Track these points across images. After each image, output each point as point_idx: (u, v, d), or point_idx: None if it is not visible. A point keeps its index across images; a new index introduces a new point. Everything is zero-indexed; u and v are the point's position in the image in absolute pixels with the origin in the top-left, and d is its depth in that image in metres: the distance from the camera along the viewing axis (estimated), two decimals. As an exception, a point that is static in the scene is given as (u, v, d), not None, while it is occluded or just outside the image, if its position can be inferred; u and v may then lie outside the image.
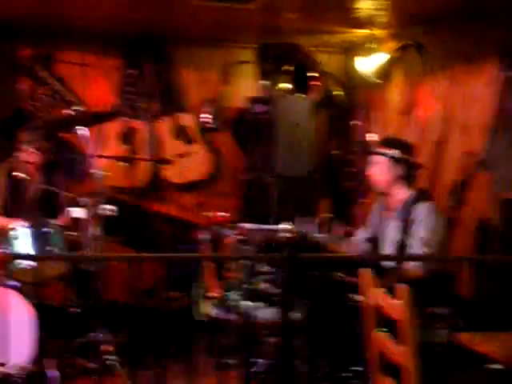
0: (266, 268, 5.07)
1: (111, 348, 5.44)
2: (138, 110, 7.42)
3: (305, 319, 4.66)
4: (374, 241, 5.06)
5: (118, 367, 5.37)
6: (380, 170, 4.95)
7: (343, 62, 7.88)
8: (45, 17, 6.53)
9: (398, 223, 4.86)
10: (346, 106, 7.70)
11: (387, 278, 4.20)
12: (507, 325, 4.14)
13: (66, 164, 6.72)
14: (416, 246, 4.64)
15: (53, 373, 5.24)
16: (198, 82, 7.61)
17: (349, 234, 5.71)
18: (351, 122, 7.60)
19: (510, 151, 5.47)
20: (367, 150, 6.80)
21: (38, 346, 4.10)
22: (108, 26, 6.96)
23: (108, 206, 5.46)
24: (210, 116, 7.55)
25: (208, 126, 7.57)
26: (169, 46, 7.47)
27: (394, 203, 4.96)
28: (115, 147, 7.20)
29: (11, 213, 5.96)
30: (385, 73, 6.82)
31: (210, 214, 5.86)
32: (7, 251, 5.32)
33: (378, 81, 6.85)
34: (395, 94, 6.83)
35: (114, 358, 5.40)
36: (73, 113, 7.02)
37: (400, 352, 3.23)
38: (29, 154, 5.95)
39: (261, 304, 4.80)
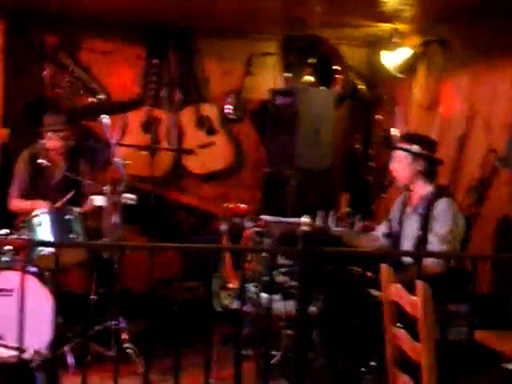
0: (284, 261, 5.07)
1: (128, 336, 5.48)
2: (161, 100, 7.43)
3: (321, 312, 4.66)
4: (393, 236, 5.05)
5: (134, 355, 5.41)
6: (401, 165, 4.95)
7: (366, 56, 7.86)
8: (70, 4, 6.55)
9: (418, 219, 4.86)
10: (369, 99, 7.68)
11: (406, 274, 4.20)
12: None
13: (88, 152, 6.74)
14: (435, 243, 4.64)
15: (69, 359, 5.28)
16: (221, 73, 7.62)
17: (368, 229, 5.71)
18: (373, 116, 7.59)
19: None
20: (389, 144, 6.79)
21: (55, 333, 4.12)
22: (132, 15, 6.97)
23: (128, 195, 5.48)
24: (233, 107, 7.55)
25: (230, 116, 7.57)
26: (193, 36, 7.48)
27: (415, 199, 4.96)
28: (137, 136, 7.23)
29: (33, 198, 5.99)
30: (408, 68, 6.78)
31: (230, 205, 5.88)
32: (28, 237, 5.36)
33: (401, 75, 6.82)
34: (418, 89, 6.80)
35: (130, 346, 5.43)
36: (96, 101, 7.08)
37: (417, 349, 3.23)
38: (51, 141, 5.98)
39: (278, 296, 4.81)
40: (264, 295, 4.74)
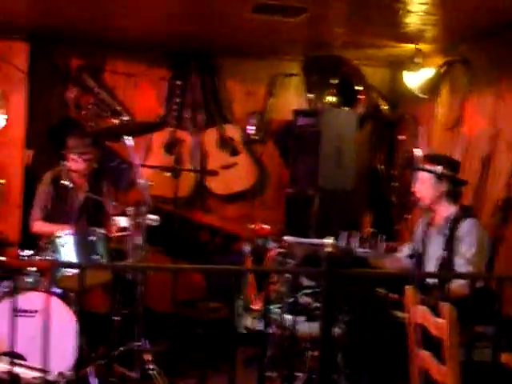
0: (307, 282, 5.06)
1: (151, 357, 5.47)
2: (184, 121, 7.46)
3: (346, 334, 4.64)
4: (417, 257, 5.03)
5: (157, 377, 5.39)
6: (424, 186, 4.94)
7: (388, 76, 7.86)
8: (95, 28, 6.62)
9: (442, 239, 4.84)
10: (391, 120, 7.67)
11: (431, 296, 4.17)
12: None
13: (112, 173, 6.77)
14: (461, 265, 4.61)
15: (92, 380, 5.27)
16: (243, 94, 7.64)
17: (391, 250, 5.68)
18: (396, 137, 7.57)
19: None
20: (412, 165, 6.78)
21: (79, 354, 4.12)
22: (156, 38, 7.02)
23: (152, 216, 5.49)
24: (255, 128, 7.57)
25: (253, 137, 7.59)
26: (216, 57, 7.51)
27: (439, 219, 4.94)
28: (160, 157, 7.25)
29: (55, 220, 6.02)
30: (431, 88, 6.78)
31: (254, 225, 5.87)
32: (53, 258, 5.37)
33: (424, 96, 6.81)
34: (441, 109, 6.79)
35: (153, 367, 5.42)
36: (120, 122, 7.12)
37: (443, 371, 3.20)
38: (75, 162, 6.00)
39: (302, 318, 4.79)
40: (288, 317, 4.72)
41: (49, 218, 6.05)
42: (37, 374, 4.04)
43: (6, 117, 6.80)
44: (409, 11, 5.47)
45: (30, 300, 5.13)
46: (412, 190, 5.12)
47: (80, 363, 5.00)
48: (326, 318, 3.46)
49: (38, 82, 7.01)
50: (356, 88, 7.36)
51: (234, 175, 7.47)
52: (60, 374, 4.58)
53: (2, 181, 6.77)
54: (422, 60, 6.65)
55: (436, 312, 3.27)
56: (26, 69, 6.83)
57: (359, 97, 7.34)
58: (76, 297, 5.28)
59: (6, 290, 5.18)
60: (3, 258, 5.55)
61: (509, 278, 4.00)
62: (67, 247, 5.42)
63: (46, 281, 5.23)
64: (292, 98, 7.69)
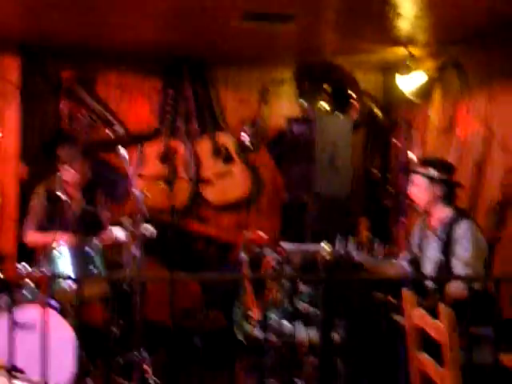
0: (305, 288, 5.05)
1: (150, 368, 5.46)
2: (178, 131, 7.46)
3: (344, 339, 4.63)
4: (414, 261, 5.03)
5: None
6: (419, 189, 4.94)
7: (380, 81, 7.88)
8: (86, 40, 6.61)
9: (438, 243, 4.84)
10: (385, 125, 7.68)
11: (429, 299, 4.17)
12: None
13: (106, 184, 6.76)
14: (459, 267, 4.61)
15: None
16: (236, 102, 7.65)
17: (389, 255, 5.68)
18: (390, 141, 7.58)
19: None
20: (406, 169, 6.78)
21: (78, 366, 4.11)
22: (147, 49, 7.02)
23: (147, 227, 5.48)
24: (249, 135, 7.57)
25: (247, 145, 7.59)
26: (208, 66, 7.52)
27: (434, 222, 4.94)
28: (155, 167, 7.25)
29: (50, 232, 6.00)
30: (423, 92, 6.78)
31: (250, 233, 5.87)
32: (48, 271, 5.36)
33: (417, 100, 6.82)
34: (434, 113, 6.80)
35: (152, 377, 5.41)
36: (113, 134, 7.11)
37: (442, 373, 3.20)
38: (67, 173, 5.99)
39: (300, 324, 4.78)
40: (286, 323, 4.71)
41: (43, 229, 6.03)
42: (36, 388, 4.02)
43: (0, 135, 6.78)
44: (399, 15, 5.48)
45: (27, 313, 5.12)
46: (407, 193, 5.12)
47: (79, 375, 4.98)
48: (325, 323, 3.46)
49: (30, 96, 7.00)
50: (349, 94, 7.36)
51: (229, 183, 7.47)
52: (59, 386, 4.57)
53: (-2, 197, 6.76)
54: (414, 64, 6.65)
55: (435, 315, 3.27)
56: (18, 83, 6.82)
57: (352, 103, 7.34)
58: (74, 309, 5.27)
59: (2, 303, 5.17)
60: (-1, 273, 5.57)
61: (506, 280, 4.00)
62: (63, 259, 5.41)
63: (43, 294, 5.22)
64: (285, 106, 7.70)
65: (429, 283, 4.62)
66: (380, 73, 7.83)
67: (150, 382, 5.40)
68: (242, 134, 7.56)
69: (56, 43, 6.76)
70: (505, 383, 3.64)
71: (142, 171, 7.20)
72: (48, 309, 4.98)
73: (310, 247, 5.44)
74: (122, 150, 5.67)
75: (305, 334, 4.74)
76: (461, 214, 4.90)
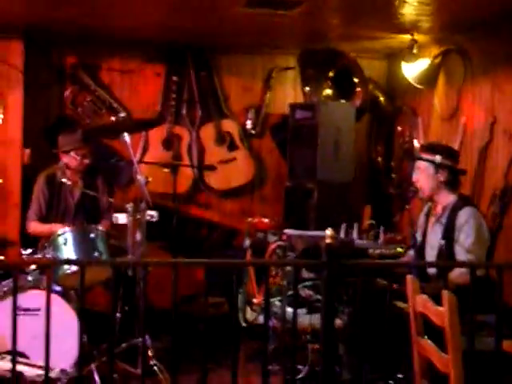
0: (308, 274, 5.06)
1: (153, 353, 5.47)
2: (181, 117, 7.46)
3: (347, 325, 4.64)
4: (418, 247, 5.03)
5: (160, 372, 5.40)
6: (423, 175, 4.94)
7: (385, 68, 7.87)
8: (90, 25, 6.61)
9: (442, 229, 4.84)
10: (389, 111, 7.67)
11: (432, 285, 4.18)
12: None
13: (110, 170, 6.76)
14: (461, 253, 4.61)
15: (95, 377, 5.27)
16: (240, 89, 7.64)
17: (392, 241, 5.68)
18: (394, 128, 7.57)
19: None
20: (410, 155, 6.77)
21: (81, 351, 4.12)
22: (152, 35, 7.02)
23: (150, 212, 5.48)
24: (253, 122, 7.57)
25: (250, 132, 7.59)
26: (212, 52, 7.51)
27: (438, 209, 4.94)
28: (158, 153, 7.25)
29: (50, 219, 6.01)
30: (428, 78, 6.77)
31: (253, 219, 5.88)
32: (52, 256, 5.37)
33: (421, 86, 6.81)
34: (439, 100, 6.78)
35: (156, 363, 5.42)
36: (117, 119, 7.11)
37: (445, 360, 3.21)
38: (69, 159, 5.99)
39: (304, 310, 4.79)
40: (289, 309, 4.72)
41: (45, 218, 6.04)
42: (40, 372, 4.04)
43: (1, 116, 6.79)
44: (404, 1, 5.46)
45: (30, 298, 5.14)
46: (411, 180, 5.11)
47: (82, 361, 5.00)
48: (327, 309, 3.46)
49: (34, 81, 7.01)
50: (353, 80, 7.35)
51: (233, 170, 7.47)
52: (62, 371, 4.59)
53: (0, 180, 6.76)
54: (418, 51, 6.64)
55: (438, 301, 3.27)
56: (22, 68, 6.82)
57: (356, 89, 7.33)
58: (77, 294, 5.29)
59: (6, 288, 5.19)
60: (2, 257, 5.59)
61: (508, 266, 4.00)
62: (67, 245, 5.42)
63: (46, 279, 5.23)
64: (289, 92, 7.70)
65: (431, 269, 4.63)
66: (384, 59, 7.83)
67: (154, 366, 5.41)
68: (246, 120, 7.56)
69: (60, 29, 6.76)
70: (507, 369, 3.64)
71: (146, 157, 7.21)
72: (51, 294, 5.00)
73: (314, 233, 5.45)
74: (126, 136, 5.67)
75: (308, 320, 4.75)
76: (464, 200, 4.90)
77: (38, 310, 5.10)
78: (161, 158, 7.07)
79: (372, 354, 4.34)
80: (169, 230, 6.18)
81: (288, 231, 5.54)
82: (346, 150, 6.87)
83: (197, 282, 6.52)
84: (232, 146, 7.47)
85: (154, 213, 5.49)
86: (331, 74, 7.35)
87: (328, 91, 7.36)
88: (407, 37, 6.60)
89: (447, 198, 4.88)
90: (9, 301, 4.74)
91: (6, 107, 6.82)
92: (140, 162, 6.78)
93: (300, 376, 5.29)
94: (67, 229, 5.49)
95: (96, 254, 5.45)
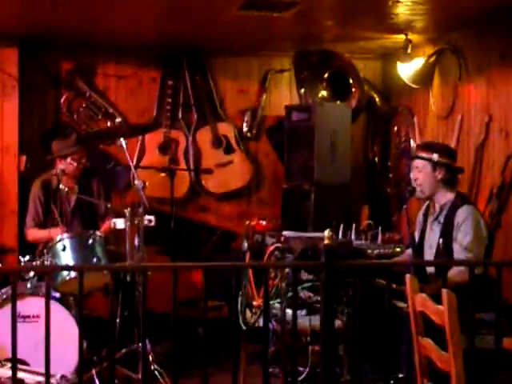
0: (307, 276, 5.05)
1: (153, 358, 5.47)
2: (177, 121, 7.45)
3: (347, 326, 4.64)
4: (416, 246, 5.02)
5: (161, 377, 5.39)
6: (421, 174, 4.93)
7: (379, 68, 7.88)
8: (84, 31, 6.61)
9: (440, 227, 4.84)
10: (385, 111, 7.67)
11: (431, 284, 4.17)
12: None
13: (107, 175, 6.76)
14: (458, 251, 4.61)
15: (96, 383, 5.27)
16: (235, 92, 7.65)
17: (390, 242, 5.68)
18: (391, 128, 7.57)
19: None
20: (407, 155, 6.78)
21: (81, 357, 4.11)
22: (146, 39, 7.03)
23: (148, 216, 5.48)
24: (249, 125, 7.57)
25: (247, 134, 7.59)
26: (207, 56, 7.51)
27: (436, 207, 4.94)
28: (155, 158, 7.24)
29: (47, 225, 6.01)
30: (423, 78, 6.78)
31: (251, 222, 5.86)
32: (51, 263, 5.36)
33: (417, 86, 6.82)
34: (434, 99, 6.79)
35: (156, 367, 5.42)
36: (112, 125, 7.10)
37: (445, 358, 3.21)
38: (64, 165, 5.98)
39: (303, 312, 4.78)
40: (289, 311, 4.71)
41: (42, 224, 6.03)
42: (40, 379, 4.04)
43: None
44: (397, 1, 5.47)
45: (29, 305, 5.14)
46: (408, 180, 5.11)
47: (83, 367, 4.99)
48: (327, 310, 3.46)
49: (29, 88, 7.01)
50: (348, 81, 7.35)
51: (230, 173, 7.47)
52: (63, 377, 4.58)
53: (-3, 187, 6.77)
54: (412, 50, 6.65)
55: (437, 301, 3.27)
56: (17, 74, 6.82)
57: (352, 90, 7.33)
58: (76, 300, 5.28)
59: (5, 296, 5.18)
60: (0, 265, 5.59)
61: (507, 264, 4.00)
62: (66, 251, 5.41)
63: (45, 286, 5.22)
64: (284, 94, 7.70)
65: (430, 269, 4.63)
66: (379, 60, 7.84)
67: (154, 371, 5.41)
68: (242, 123, 7.56)
69: (55, 35, 6.76)
70: (507, 367, 3.64)
71: (142, 162, 7.20)
72: (51, 301, 5.00)
73: (312, 235, 5.44)
74: (122, 141, 5.67)
75: (308, 321, 4.74)
76: (462, 199, 4.90)
77: (38, 316, 5.10)
78: (157, 163, 7.07)
79: (372, 354, 4.34)
80: (167, 234, 6.19)
81: (286, 233, 5.52)
82: (342, 151, 6.87)
83: (196, 287, 6.51)
84: (228, 149, 7.47)
85: (151, 217, 5.49)
86: (326, 75, 7.36)
87: (323, 92, 7.36)
88: (401, 37, 6.61)
89: (445, 197, 4.88)
90: (8, 308, 4.74)
91: (1, 114, 6.82)
92: (137, 166, 6.77)
93: (301, 378, 5.29)
94: (65, 235, 5.48)
95: (94, 259, 5.44)
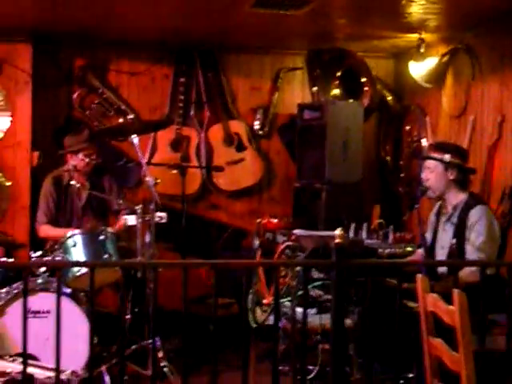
0: (318, 274, 5.05)
1: (163, 355, 5.47)
2: (189, 118, 7.46)
3: (357, 325, 4.63)
4: (428, 246, 5.01)
5: (170, 374, 5.40)
6: (433, 174, 4.91)
7: (392, 67, 7.86)
8: (98, 27, 6.63)
9: (452, 227, 4.82)
10: (397, 111, 7.66)
11: (442, 283, 4.16)
12: None
13: (118, 172, 6.76)
14: (470, 252, 4.60)
15: (106, 379, 5.28)
16: (248, 89, 7.64)
17: (401, 241, 5.67)
18: (403, 127, 7.56)
19: None
20: (419, 154, 6.76)
21: (91, 353, 4.12)
22: (159, 36, 7.03)
23: (159, 213, 5.49)
24: (261, 123, 7.57)
25: (258, 132, 7.59)
26: (219, 53, 7.51)
27: (448, 208, 4.92)
28: (167, 155, 7.25)
29: (59, 221, 6.02)
30: (436, 77, 6.76)
31: (262, 220, 5.87)
32: (62, 258, 5.38)
33: (429, 85, 6.80)
34: (447, 98, 6.77)
35: (166, 364, 5.42)
36: (125, 121, 7.11)
37: (456, 359, 3.20)
38: (75, 160, 6.00)
39: (314, 310, 4.78)
40: (299, 310, 4.71)
41: (54, 220, 6.05)
42: (50, 374, 4.04)
43: (10, 119, 6.81)
44: (411, 0, 5.46)
45: (40, 301, 5.15)
46: (420, 179, 5.10)
47: (93, 362, 5.00)
48: (337, 309, 3.45)
49: (42, 84, 7.03)
50: (360, 80, 7.34)
51: (241, 171, 7.47)
52: (73, 373, 4.59)
53: (9, 182, 6.78)
54: (425, 50, 6.64)
55: (448, 300, 3.27)
56: (30, 70, 6.84)
57: (364, 89, 7.32)
58: (87, 296, 5.30)
59: (16, 291, 5.20)
60: (12, 260, 5.60)
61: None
62: (77, 247, 5.42)
63: (56, 281, 5.24)
64: (297, 92, 7.70)
65: (441, 269, 4.62)
66: (392, 59, 7.82)
67: (164, 368, 5.41)
68: (254, 121, 7.56)
69: (68, 31, 6.77)
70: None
71: (154, 159, 7.21)
72: (61, 296, 5.01)
73: (323, 233, 5.43)
74: (134, 138, 5.67)
75: (318, 320, 4.74)
76: (475, 199, 4.88)
77: (48, 312, 5.11)
78: (169, 160, 7.07)
79: (382, 354, 4.33)
80: (178, 231, 6.19)
81: (297, 231, 5.52)
82: (354, 150, 6.86)
83: (206, 284, 6.52)
84: (240, 147, 7.47)
85: (163, 214, 5.50)
86: (339, 73, 7.35)
87: (336, 91, 7.36)
88: (415, 36, 6.60)
89: (457, 197, 4.87)
90: (19, 303, 4.76)
91: (14, 110, 6.84)
92: (148, 163, 6.77)
93: (310, 376, 5.29)
94: (76, 231, 5.50)
95: (105, 255, 5.45)
